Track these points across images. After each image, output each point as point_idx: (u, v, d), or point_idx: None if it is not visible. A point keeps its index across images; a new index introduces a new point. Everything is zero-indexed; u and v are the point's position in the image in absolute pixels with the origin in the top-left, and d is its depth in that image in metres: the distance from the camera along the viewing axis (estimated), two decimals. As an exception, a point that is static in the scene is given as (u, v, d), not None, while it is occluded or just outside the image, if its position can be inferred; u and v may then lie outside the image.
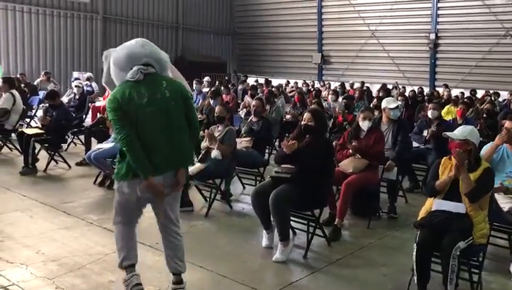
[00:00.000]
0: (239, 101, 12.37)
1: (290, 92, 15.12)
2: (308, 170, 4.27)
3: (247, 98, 10.87)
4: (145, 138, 3.09)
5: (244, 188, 6.64)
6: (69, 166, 7.43)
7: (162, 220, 3.41)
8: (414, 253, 3.42)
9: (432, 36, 19.90)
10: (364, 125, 5.36)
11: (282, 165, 4.47)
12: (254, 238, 4.80)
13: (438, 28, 19.98)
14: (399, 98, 10.02)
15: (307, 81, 18.98)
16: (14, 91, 8.19)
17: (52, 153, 7.34)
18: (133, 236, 3.47)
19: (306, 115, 4.58)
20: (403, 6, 20.56)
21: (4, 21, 17.62)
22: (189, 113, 3.27)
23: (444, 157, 3.85)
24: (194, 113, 3.38)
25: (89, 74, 14.56)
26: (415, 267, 3.43)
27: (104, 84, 3.40)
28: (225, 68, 25.18)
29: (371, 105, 9.42)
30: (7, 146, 8.29)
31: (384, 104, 6.11)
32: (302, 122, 4.57)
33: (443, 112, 9.72)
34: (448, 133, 3.81)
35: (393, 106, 5.99)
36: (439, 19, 19.93)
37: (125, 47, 3.21)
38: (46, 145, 7.31)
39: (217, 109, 6.05)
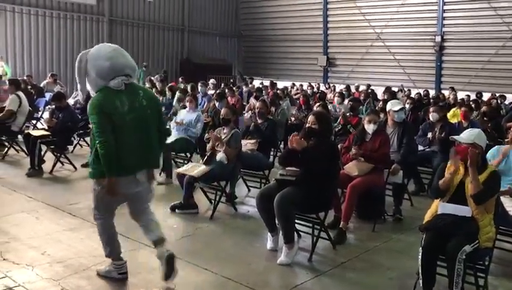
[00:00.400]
0: (244, 103, 12.39)
1: (295, 95, 15.12)
2: (313, 173, 4.26)
3: (252, 100, 10.88)
4: (123, 142, 3.36)
5: (249, 190, 6.63)
6: (75, 168, 7.46)
7: (137, 211, 3.77)
8: (419, 256, 3.41)
9: (438, 39, 19.85)
10: (370, 128, 5.34)
11: (287, 168, 4.46)
12: (259, 240, 4.80)
13: (443, 31, 19.93)
14: (407, 100, 9.97)
15: (312, 84, 18.96)
16: (20, 93, 8.23)
17: (58, 154, 7.38)
18: (114, 227, 3.80)
19: (310, 118, 4.58)
20: (409, 9, 20.53)
21: (11, 23, 17.74)
22: (160, 119, 3.72)
23: (450, 160, 3.83)
24: (163, 119, 3.88)
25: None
26: (420, 271, 3.41)
27: (80, 91, 3.64)
28: (230, 70, 25.22)
29: (376, 108, 9.42)
30: (14, 148, 8.33)
31: (388, 106, 6.08)
32: (306, 125, 4.57)
33: (449, 114, 9.69)
34: (456, 137, 3.79)
35: (397, 108, 5.94)
36: (445, 22, 19.88)
37: (107, 57, 3.37)
38: (52, 146, 7.35)
39: (222, 111, 6.06)
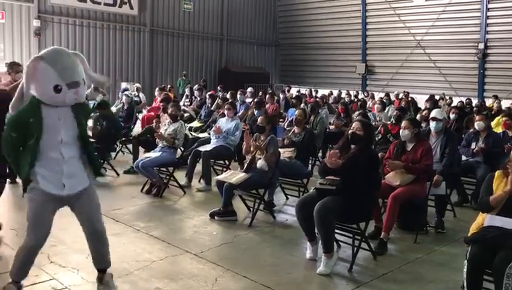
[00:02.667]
0: (281, 111, 12.41)
1: (335, 103, 15.03)
2: (353, 182, 4.22)
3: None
4: None
5: (287, 198, 6.62)
6: (117, 174, 7.64)
7: None
8: (465, 270, 3.31)
9: (481, 46, 19.34)
10: (404, 135, 5.23)
11: (327, 177, 4.43)
12: (297, 249, 4.78)
13: (487, 38, 19.39)
14: (451, 110, 9.76)
15: (350, 92, 18.81)
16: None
17: (102, 161, 7.57)
18: None
19: (355, 124, 4.54)
20: (451, 15, 20.09)
21: (58, 34, 18.43)
22: None
23: (498, 171, 3.71)
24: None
25: (137, 85, 14.97)
26: (465, 285, 3.31)
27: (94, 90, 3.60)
28: (268, 79, 25.32)
29: (418, 116, 9.24)
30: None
31: (431, 114, 5.99)
32: (350, 131, 4.53)
33: (493, 123, 9.38)
34: None
35: (433, 116, 5.86)
36: (489, 28, 19.34)
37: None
38: (96, 153, 7.54)
39: (259, 119, 6.09)
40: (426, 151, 5.15)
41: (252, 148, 5.76)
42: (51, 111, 3.23)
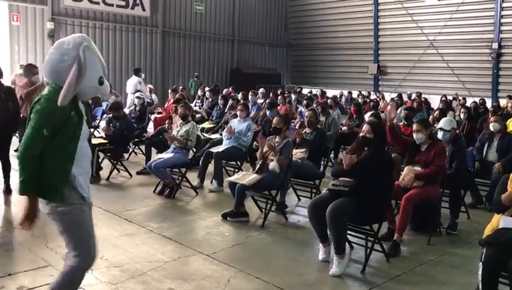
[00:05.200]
0: (293, 112, 12.39)
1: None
2: (366, 184, 4.20)
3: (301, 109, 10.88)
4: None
5: (299, 199, 6.62)
6: (130, 175, 7.69)
7: None
8: (480, 272, 3.28)
9: (495, 45, 19.11)
10: (417, 138, 5.19)
11: (340, 178, 4.42)
12: (310, 250, 4.78)
13: (501, 37, 19.16)
14: (461, 110, 9.65)
15: (362, 92, 18.71)
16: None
17: (115, 162, 7.64)
18: None
19: (365, 127, 4.53)
20: (464, 15, 19.89)
21: (71, 36, 18.60)
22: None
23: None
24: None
25: (150, 86, 15.05)
26: (480, 287, 3.28)
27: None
28: (279, 79, 25.30)
29: (430, 118, 9.16)
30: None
31: (439, 124, 5.83)
32: (360, 134, 4.53)
33: (507, 124, 9.29)
34: None
35: (440, 126, 5.67)
36: (503, 28, 19.10)
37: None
38: (109, 154, 7.63)
39: (274, 120, 6.08)
40: (439, 153, 5.11)
41: (265, 149, 5.74)
42: (80, 104, 2.86)
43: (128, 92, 14.12)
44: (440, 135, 5.63)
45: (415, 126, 5.24)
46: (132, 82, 13.69)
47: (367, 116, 9.36)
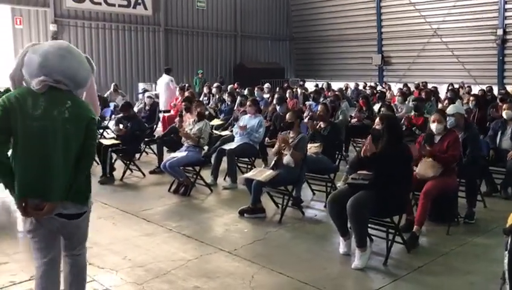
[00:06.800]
0: (300, 106, 12.37)
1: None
2: (386, 176, 4.20)
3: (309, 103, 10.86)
4: (20, 153, 2.65)
5: (314, 194, 6.62)
6: (143, 174, 7.71)
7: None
8: (506, 261, 3.27)
9: (500, 32, 18.98)
10: (436, 128, 5.19)
11: (359, 171, 4.43)
12: (330, 245, 4.80)
13: (505, 23, 19.03)
14: (471, 98, 9.62)
15: (369, 84, 18.65)
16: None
17: (128, 162, 7.66)
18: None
19: (377, 120, 4.53)
20: (467, 2, 19.71)
21: (74, 37, 18.59)
22: (88, 141, 2.77)
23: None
24: (94, 142, 2.86)
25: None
26: (507, 276, 3.28)
27: (9, 78, 2.76)
28: (283, 73, 25.26)
29: (439, 106, 9.15)
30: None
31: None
32: (375, 126, 4.51)
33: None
34: None
35: (448, 112, 5.60)
36: (507, 13, 18.96)
37: (42, 53, 2.68)
38: (121, 154, 7.64)
39: (287, 115, 6.08)
40: (453, 142, 5.10)
41: (279, 143, 5.74)
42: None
43: (158, 90, 14.31)
44: (449, 121, 5.60)
45: (434, 116, 5.22)
46: (164, 81, 13.80)
47: (376, 108, 9.37)
